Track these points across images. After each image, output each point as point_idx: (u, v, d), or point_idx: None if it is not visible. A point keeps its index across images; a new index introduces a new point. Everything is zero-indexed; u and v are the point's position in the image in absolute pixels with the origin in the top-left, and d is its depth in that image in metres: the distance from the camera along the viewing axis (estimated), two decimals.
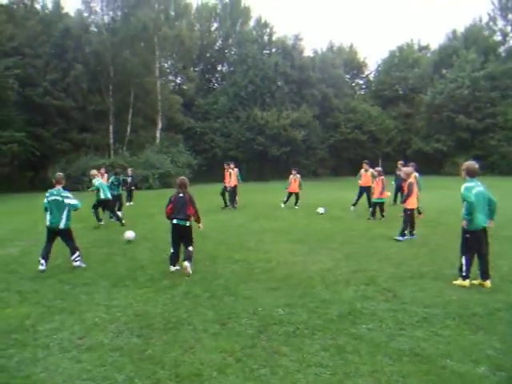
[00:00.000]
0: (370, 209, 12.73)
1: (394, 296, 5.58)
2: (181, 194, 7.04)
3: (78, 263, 7.36)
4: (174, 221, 6.97)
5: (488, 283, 5.90)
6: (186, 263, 6.75)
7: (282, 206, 15.48)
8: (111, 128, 32.86)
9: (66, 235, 7.40)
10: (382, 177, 12.06)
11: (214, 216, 12.91)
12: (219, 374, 3.66)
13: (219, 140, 37.74)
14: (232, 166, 15.71)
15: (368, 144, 41.19)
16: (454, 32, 43.46)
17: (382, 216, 12.29)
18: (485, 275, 5.96)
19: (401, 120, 44.09)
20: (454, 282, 6.02)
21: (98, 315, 5.03)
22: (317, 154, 40.22)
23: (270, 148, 36.80)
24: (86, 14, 33.18)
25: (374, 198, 12.31)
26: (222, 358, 3.95)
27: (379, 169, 12.68)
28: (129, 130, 33.57)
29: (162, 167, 30.38)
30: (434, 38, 71.77)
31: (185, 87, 40.02)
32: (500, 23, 42.39)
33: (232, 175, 15.38)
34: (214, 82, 45.78)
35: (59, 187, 7.37)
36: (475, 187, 5.95)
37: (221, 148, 37.62)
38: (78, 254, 7.39)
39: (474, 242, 5.94)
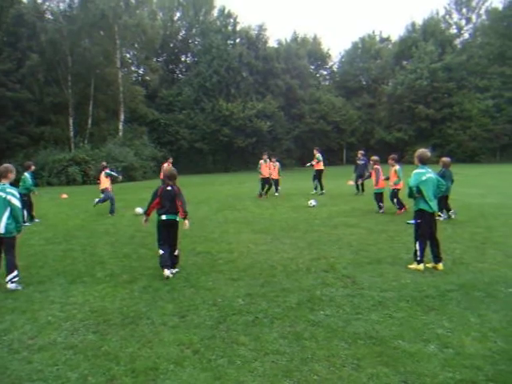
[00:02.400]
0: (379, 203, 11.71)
1: (352, 282, 5.71)
2: (169, 187, 6.31)
3: (13, 285, 5.72)
4: (163, 217, 6.23)
5: (440, 266, 6.14)
6: (169, 271, 6.07)
7: (265, 196, 15.89)
8: (71, 121, 31.76)
9: (7, 244, 5.78)
10: (377, 166, 11.78)
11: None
12: (176, 366, 3.62)
13: (184, 132, 37.29)
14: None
15: (332, 134, 41.88)
16: (413, 24, 44.64)
17: (380, 207, 11.58)
18: (437, 258, 6.20)
19: (364, 110, 45.01)
20: (409, 266, 6.23)
21: (51, 313, 4.86)
22: (282, 145, 40.48)
23: (235, 139, 36.73)
24: (39, 0, 31.72)
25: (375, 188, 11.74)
26: (179, 350, 3.91)
27: (375, 158, 12.16)
28: (90, 122, 32.58)
29: (126, 160, 29.71)
30: (395, 30, 73.75)
31: (148, 78, 39.19)
32: (455, 17, 44.01)
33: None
34: (177, 72, 45.04)
35: (5, 182, 5.86)
36: (426, 174, 6.19)
37: (186, 140, 37.21)
38: (16, 273, 5.76)
39: (426, 228, 6.19)
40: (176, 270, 6.31)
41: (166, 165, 16.08)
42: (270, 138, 38.61)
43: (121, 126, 34.17)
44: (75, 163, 28.31)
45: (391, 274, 5.97)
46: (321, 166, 16.45)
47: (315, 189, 16.58)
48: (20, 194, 6.34)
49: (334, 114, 41.34)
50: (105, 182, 12.77)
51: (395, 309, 4.71)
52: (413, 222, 9.42)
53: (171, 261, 6.22)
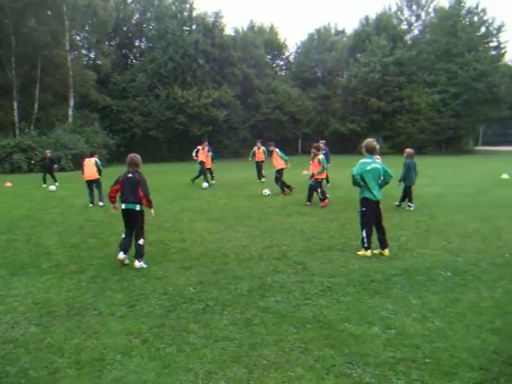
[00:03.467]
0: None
1: (303, 268, 5.83)
2: (130, 174, 6.03)
3: None
4: (123, 206, 6.03)
5: (386, 252, 6.41)
6: (136, 262, 5.90)
7: (263, 180, 16.81)
8: (15, 104, 29.90)
9: None
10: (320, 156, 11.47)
11: None
12: (123, 356, 3.56)
13: (138, 119, 36.23)
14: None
15: (288, 124, 42.23)
16: (367, 18, 45.63)
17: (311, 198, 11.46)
18: (383, 245, 6.47)
19: (319, 101, 45.65)
20: (358, 253, 6.45)
21: None
22: (239, 134, 40.36)
23: (191, 127, 36.18)
24: None
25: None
26: (127, 340, 3.84)
27: (318, 145, 11.91)
28: (36, 107, 30.85)
29: (76, 147, 28.41)
30: (350, 23, 75.26)
31: (99, 63, 37.49)
32: (406, 13, 45.51)
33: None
34: (131, 58, 43.43)
35: None
36: (371, 163, 6.39)
37: (140, 127, 36.20)
38: None
39: (371, 215, 6.43)
40: (142, 263, 5.95)
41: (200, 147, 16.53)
42: (226, 126, 38.35)
43: (70, 112, 32.61)
44: (20, 150, 26.77)
45: (340, 261, 6.15)
46: (262, 158, 17.27)
47: (260, 178, 17.31)
48: None
49: (289, 104, 41.64)
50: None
51: (343, 293, 4.87)
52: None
53: (136, 250, 6.01)
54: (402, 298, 4.69)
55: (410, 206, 10.39)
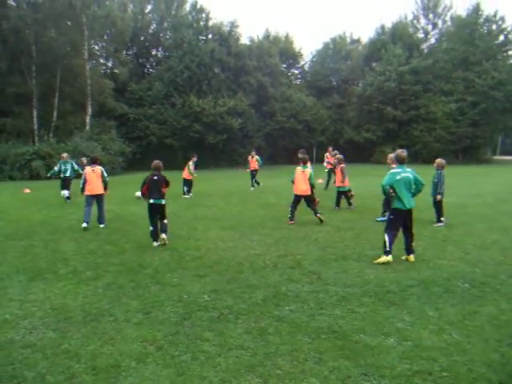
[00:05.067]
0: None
1: (318, 278, 5.80)
2: (155, 177, 7.85)
3: None
4: (151, 200, 7.77)
5: (412, 257, 6.61)
6: (163, 235, 7.80)
7: (252, 189, 17.35)
8: (35, 113, 30.51)
9: None
10: (342, 165, 11.94)
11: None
12: (138, 363, 3.58)
13: (154, 127, 36.62)
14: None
15: (303, 133, 42.17)
16: (383, 27, 45.50)
17: (349, 204, 12.01)
18: (409, 250, 6.66)
19: (334, 110, 45.54)
20: (377, 261, 6.50)
21: (9, 311, 4.70)
22: (253, 142, 40.42)
23: (206, 136, 36.41)
24: None
25: (336, 186, 12.09)
26: (142, 347, 3.87)
27: (340, 156, 12.42)
28: (55, 115, 31.42)
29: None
30: (365, 32, 75.46)
31: (117, 71, 38.13)
32: (422, 22, 45.21)
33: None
34: (148, 66, 44.08)
35: None
36: (401, 173, 6.58)
37: (156, 135, 36.57)
38: None
39: (397, 223, 6.60)
40: (164, 236, 7.85)
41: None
42: (241, 135, 38.49)
43: (88, 120, 33.16)
44: (39, 157, 27.30)
45: (355, 270, 6.11)
46: (256, 167, 17.94)
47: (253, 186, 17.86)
48: None
49: (304, 112, 41.61)
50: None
51: (358, 304, 4.83)
52: (380, 219, 9.73)
53: (161, 227, 7.90)
54: (419, 310, 4.63)
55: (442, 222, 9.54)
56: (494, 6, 76.41)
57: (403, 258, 6.68)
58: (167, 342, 3.94)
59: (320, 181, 18.87)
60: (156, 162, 8.10)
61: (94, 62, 35.99)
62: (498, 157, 49.96)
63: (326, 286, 5.42)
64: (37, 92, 30.34)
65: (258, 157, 18.03)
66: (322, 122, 43.38)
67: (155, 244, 7.81)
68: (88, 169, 9.81)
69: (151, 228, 7.90)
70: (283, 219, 10.43)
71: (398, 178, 6.53)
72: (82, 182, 9.73)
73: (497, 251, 7.11)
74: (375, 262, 6.46)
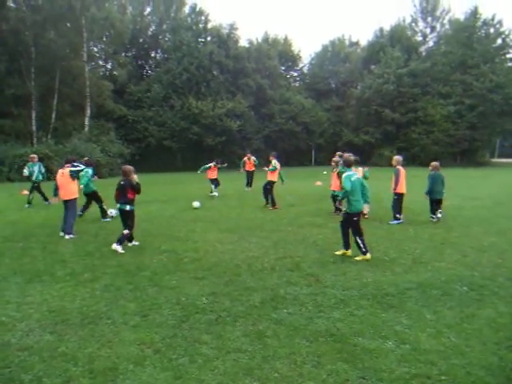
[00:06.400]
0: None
1: (316, 280, 5.79)
2: (122, 182, 7.60)
3: None
4: (117, 205, 7.68)
5: (349, 252, 7.05)
6: (114, 245, 7.44)
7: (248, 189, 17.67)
8: (34, 114, 30.49)
9: None
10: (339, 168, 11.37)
11: (145, 207, 12.52)
12: (136, 366, 3.57)
13: (153, 129, 36.63)
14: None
15: (302, 135, 42.26)
16: (381, 30, 45.71)
17: (338, 210, 10.70)
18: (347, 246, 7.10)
19: (333, 112, 45.68)
20: (356, 258, 6.82)
21: (5, 314, 4.67)
22: (252, 145, 40.45)
23: (205, 138, 36.44)
24: None
25: (332, 189, 11.59)
26: (140, 350, 3.85)
27: (336, 159, 11.84)
28: (54, 116, 31.40)
29: (92, 157, 28.84)
30: (364, 35, 75.46)
31: (116, 73, 38.14)
32: (421, 25, 45.41)
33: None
34: (147, 68, 44.14)
35: None
36: (354, 175, 6.95)
37: (154, 137, 36.58)
38: None
39: (358, 222, 6.92)
40: (115, 246, 7.45)
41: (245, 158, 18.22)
42: (239, 137, 38.54)
43: (87, 122, 33.14)
44: (37, 159, 27.23)
45: (353, 273, 6.10)
46: (252, 168, 18.35)
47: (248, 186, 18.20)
48: None
49: (303, 115, 41.71)
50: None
51: (356, 307, 4.82)
52: (394, 222, 9.86)
53: (118, 236, 7.64)
54: (417, 313, 4.62)
55: (432, 218, 10.33)
56: (492, 9, 76.67)
57: (339, 252, 7.10)
58: (165, 345, 3.93)
59: (318, 183, 18.91)
60: (124, 166, 7.81)
61: (92, 63, 36.00)
62: (496, 159, 50.16)
63: (325, 289, 5.41)
64: (36, 93, 30.32)
65: (254, 158, 18.46)
66: (321, 124, 43.50)
67: (129, 244, 7.93)
68: (58, 172, 8.95)
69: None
70: (282, 221, 10.42)
71: (353, 179, 6.84)
72: (53, 187, 9.22)
73: (495, 254, 7.12)
74: (355, 259, 6.81)
